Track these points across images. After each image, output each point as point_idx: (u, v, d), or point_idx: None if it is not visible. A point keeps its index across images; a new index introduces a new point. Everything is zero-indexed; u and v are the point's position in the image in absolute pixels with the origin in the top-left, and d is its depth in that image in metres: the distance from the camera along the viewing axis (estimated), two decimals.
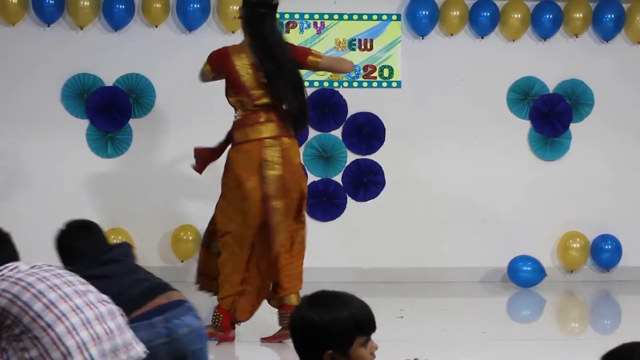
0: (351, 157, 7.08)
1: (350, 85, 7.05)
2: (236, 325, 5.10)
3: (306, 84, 6.90)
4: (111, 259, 3.58)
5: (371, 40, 7.07)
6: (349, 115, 7.06)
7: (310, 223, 6.95)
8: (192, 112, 6.91)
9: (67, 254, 3.68)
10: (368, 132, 7.06)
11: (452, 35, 7.05)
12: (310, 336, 2.41)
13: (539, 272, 6.84)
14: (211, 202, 6.86)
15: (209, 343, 3.89)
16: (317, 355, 2.40)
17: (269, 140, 4.98)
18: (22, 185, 6.88)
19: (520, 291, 6.80)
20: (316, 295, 2.48)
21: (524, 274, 6.85)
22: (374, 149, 7.08)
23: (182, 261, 6.86)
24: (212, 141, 6.85)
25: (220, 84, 5.22)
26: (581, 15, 7.05)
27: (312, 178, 7.01)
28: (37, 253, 6.82)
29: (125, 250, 3.77)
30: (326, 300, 2.45)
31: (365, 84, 7.06)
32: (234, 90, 5.06)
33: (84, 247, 3.65)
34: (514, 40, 7.09)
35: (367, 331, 2.44)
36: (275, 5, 5.12)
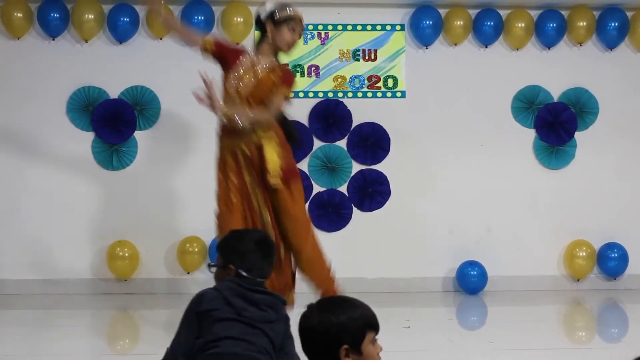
0: (356, 167, 7.08)
1: (355, 96, 7.05)
2: None
3: (310, 94, 7.01)
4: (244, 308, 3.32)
5: (375, 51, 7.07)
6: (353, 125, 7.06)
7: (317, 233, 6.99)
8: (197, 123, 6.89)
9: (236, 255, 3.51)
10: (373, 142, 7.06)
11: (456, 44, 7.05)
12: (326, 335, 2.63)
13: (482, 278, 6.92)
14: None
15: None
16: (331, 354, 2.63)
17: None
18: (28, 198, 6.89)
19: (524, 300, 6.79)
20: (325, 300, 2.78)
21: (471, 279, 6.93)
22: (379, 159, 7.07)
23: (188, 273, 6.87)
24: (216, 154, 6.90)
25: None
26: (585, 23, 7.05)
27: (317, 189, 7.02)
28: (44, 265, 6.90)
29: (272, 302, 3.40)
30: (336, 302, 2.71)
31: (369, 94, 7.06)
32: None
33: (254, 263, 3.48)
34: (518, 49, 7.10)
35: (376, 328, 2.69)
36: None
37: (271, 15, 5.02)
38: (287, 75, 5.05)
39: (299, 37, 5.06)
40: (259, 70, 4.98)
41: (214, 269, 3.61)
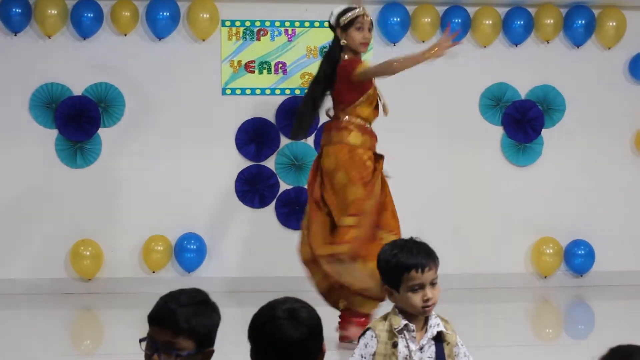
0: None
1: None
2: None
3: (277, 91, 6.95)
4: None
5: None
6: (320, 123, 7.00)
7: (284, 231, 6.96)
8: (162, 121, 6.86)
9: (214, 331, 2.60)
10: None
11: (423, 41, 7.01)
12: (379, 268, 2.95)
13: None
14: (182, 212, 6.85)
15: None
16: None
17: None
18: None
19: (492, 297, 6.79)
20: (397, 240, 3.04)
21: None
22: None
23: (154, 272, 6.81)
24: (183, 152, 6.85)
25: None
26: (552, 21, 7.06)
27: (284, 186, 6.98)
28: (5, 264, 6.78)
29: None
30: (398, 243, 2.96)
31: None
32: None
33: None
34: (485, 47, 7.10)
35: (410, 270, 2.85)
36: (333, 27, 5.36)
37: (337, 22, 5.27)
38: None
39: (368, 31, 5.26)
40: None
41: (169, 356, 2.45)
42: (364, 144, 5.22)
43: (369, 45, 5.34)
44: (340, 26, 5.26)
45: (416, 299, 2.86)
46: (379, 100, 5.36)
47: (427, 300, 2.86)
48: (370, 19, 5.32)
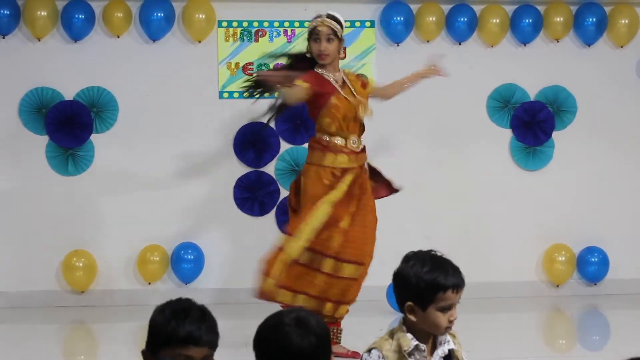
0: None
1: None
2: None
3: (277, 94, 6.80)
4: None
5: (344, 49, 6.77)
6: None
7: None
8: (157, 126, 6.79)
9: None
10: None
11: (428, 41, 6.94)
12: (396, 286, 2.82)
13: None
14: (178, 221, 6.74)
15: None
16: (402, 306, 2.80)
17: None
18: None
19: (502, 307, 6.71)
20: (418, 252, 2.85)
21: None
22: None
23: (149, 283, 6.74)
24: (179, 158, 6.73)
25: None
26: (562, 19, 6.99)
27: (284, 193, 6.84)
28: None
29: None
30: (424, 257, 2.79)
31: None
32: None
33: None
34: (492, 46, 7.01)
35: (449, 292, 2.75)
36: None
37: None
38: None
39: (326, 42, 5.36)
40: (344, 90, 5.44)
41: None
42: None
43: (326, 57, 5.38)
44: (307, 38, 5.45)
45: (444, 319, 2.79)
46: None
47: (452, 320, 2.82)
48: (330, 27, 5.38)
